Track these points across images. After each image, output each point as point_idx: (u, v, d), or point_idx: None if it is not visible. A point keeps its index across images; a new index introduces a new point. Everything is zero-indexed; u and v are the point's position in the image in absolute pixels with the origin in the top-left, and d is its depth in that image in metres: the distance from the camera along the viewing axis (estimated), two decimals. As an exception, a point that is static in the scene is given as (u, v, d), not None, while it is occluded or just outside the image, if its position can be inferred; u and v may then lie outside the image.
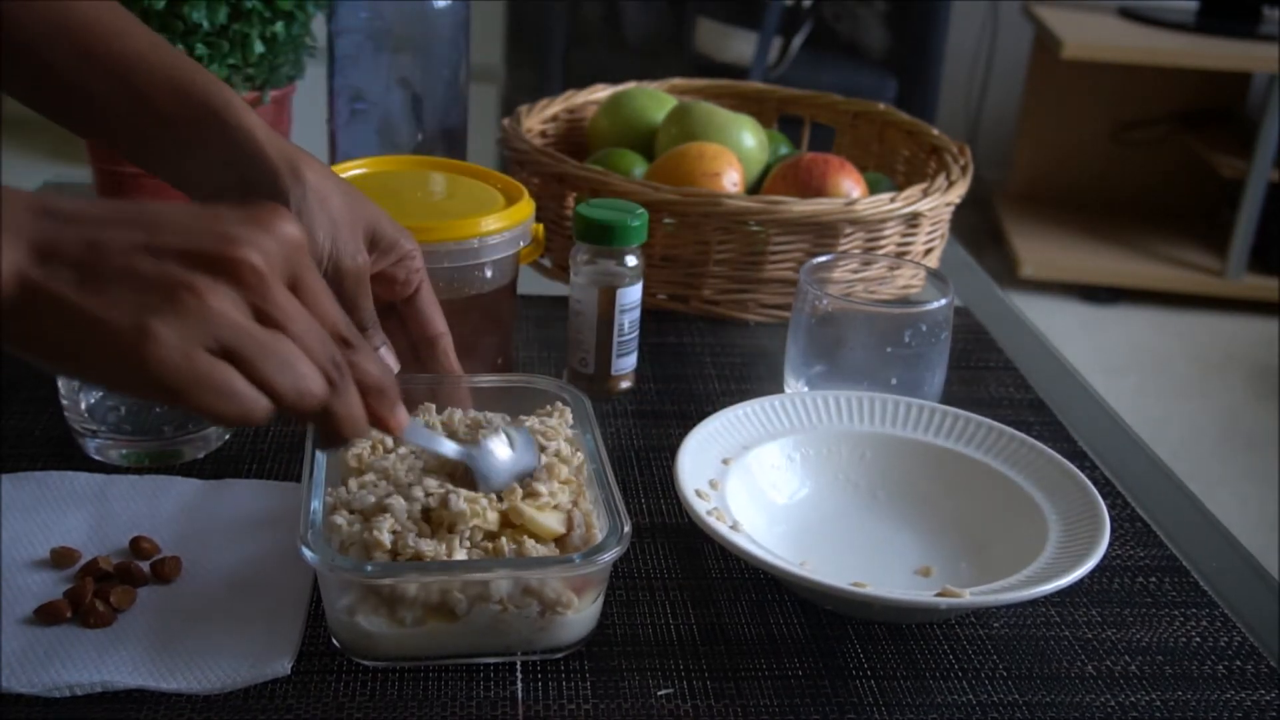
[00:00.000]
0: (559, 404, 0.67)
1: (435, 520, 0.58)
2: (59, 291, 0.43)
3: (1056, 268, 3.02)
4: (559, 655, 0.57)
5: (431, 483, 0.59)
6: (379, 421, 0.51)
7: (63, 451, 0.70)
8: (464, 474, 0.60)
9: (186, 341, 0.43)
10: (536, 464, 0.61)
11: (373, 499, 0.58)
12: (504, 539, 0.57)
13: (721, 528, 0.60)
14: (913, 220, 0.94)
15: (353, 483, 0.60)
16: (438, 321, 0.69)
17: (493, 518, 0.57)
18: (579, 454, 0.63)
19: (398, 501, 0.57)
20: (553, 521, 0.58)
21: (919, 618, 0.61)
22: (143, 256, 0.44)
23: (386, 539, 0.55)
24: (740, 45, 2.61)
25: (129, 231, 0.44)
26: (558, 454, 0.62)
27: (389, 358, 0.66)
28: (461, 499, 0.57)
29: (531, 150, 0.95)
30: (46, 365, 0.45)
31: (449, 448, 0.59)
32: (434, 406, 0.66)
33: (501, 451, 0.60)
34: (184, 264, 0.44)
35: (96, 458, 0.70)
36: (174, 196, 0.65)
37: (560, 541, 0.58)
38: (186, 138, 0.62)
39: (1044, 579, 0.58)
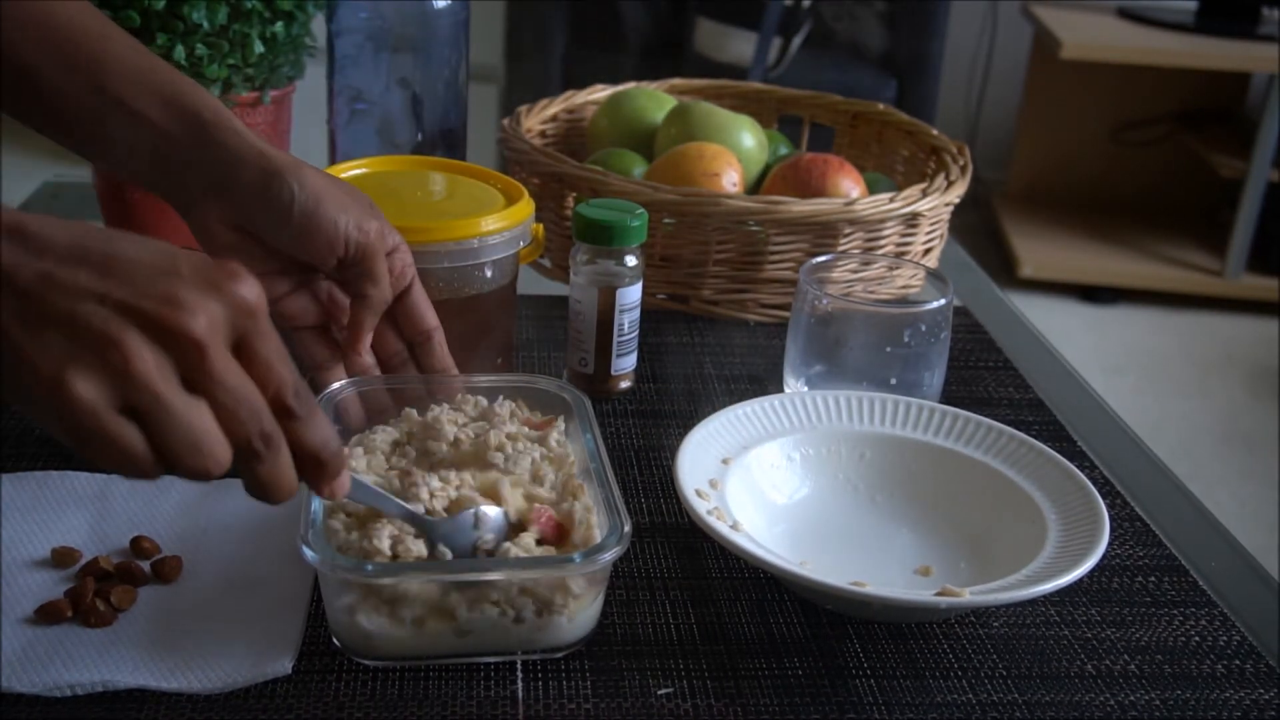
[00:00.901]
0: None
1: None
2: (3, 320, 0.44)
3: (1056, 268, 3.02)
4: (559, 655, 0.57)
5: (434, 482, 0.59)
6: (317, 488, 0.51)
7: (63, 451, 0.70)
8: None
9: (99, 399, 0.44)
10: (502, 540, 0.58)
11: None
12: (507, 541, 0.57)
13: (721, 527, 0.60)
14: (912, 220, 0.94)
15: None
16: (430, 316, 0.69)
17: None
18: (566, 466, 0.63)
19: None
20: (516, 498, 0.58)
21: (919, 617, 0.61)
22: (87, 301, 0.44)
23: (386, 546, 0.55)
24: (740, 45, 2.61)
25: (83, 273, 0.45)
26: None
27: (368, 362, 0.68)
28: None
29: (531, 150, 0.95)
30: None
31: (398, 509, 0.57)
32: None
33: (464, 530, 0.57)
34: (124, 317, 0.44)
35: (97, 457, 0.70)
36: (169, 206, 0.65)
37: (561, 541, 0.58)
38: (176, 146, 0.62)
39: (1044, 578, 0.58)
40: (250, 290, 0.47)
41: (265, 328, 0.48)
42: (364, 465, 0.62)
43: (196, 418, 0.45)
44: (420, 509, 0.58)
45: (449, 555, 0.56)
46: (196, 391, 0.45)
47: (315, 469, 0.50)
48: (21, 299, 0.44)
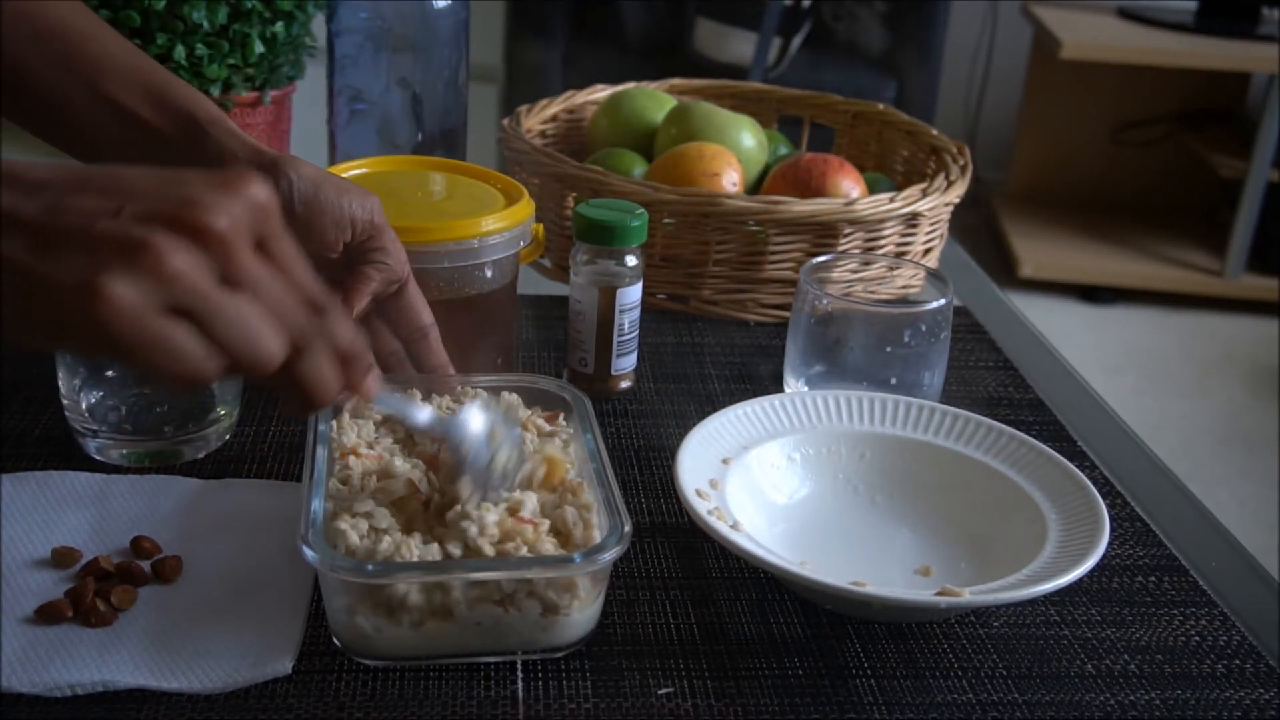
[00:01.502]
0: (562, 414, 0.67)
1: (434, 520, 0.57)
2: (12, 255, 0.42)
3: (1056, 268, 3.02)
4: (559, 655, 0.57)
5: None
6: (351, 386, 0.50)
7: (63, 451, 0.70)
8: (446, 459, 0.59)
9: (138, 301, 0.42)
10: (516, 439, 0.60)
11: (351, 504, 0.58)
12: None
13: (721, 527, 0.60)
14: (912, 220, 0.94)
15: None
16: (426, 313, 0.69)
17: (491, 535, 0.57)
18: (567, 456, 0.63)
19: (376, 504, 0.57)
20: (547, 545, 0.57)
21: (919, 617, 0.61)
22: (102, 219, 0.42)
23: (355, 539, 0.55)
24: (740, 45, 2.61)
25: (91, 196, 0.43)
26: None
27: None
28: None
29: (531, 150, 0.95)
30: (6, 334, 0.43)
31: (422, 416, 0.58)
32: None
33: (476, 421, 0.59)
34: (144, 225, 0.43)
35: (97, 457, 0.70)
36: None
37: (562, 541, 0.58)
38: (169, 144, 0.63)
39: (1044, 578, 0.58)
40: (261, 191, 0.46)
41: (280, 228, 0.47)
42: (354, 434, 0.63)
43: (244, 307, 0.44)
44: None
45: (468, 456, 0.57)
46: (231, 290, 0.44)
47: (351, 363, 0.49)
48: (29, 232, 0.42)
